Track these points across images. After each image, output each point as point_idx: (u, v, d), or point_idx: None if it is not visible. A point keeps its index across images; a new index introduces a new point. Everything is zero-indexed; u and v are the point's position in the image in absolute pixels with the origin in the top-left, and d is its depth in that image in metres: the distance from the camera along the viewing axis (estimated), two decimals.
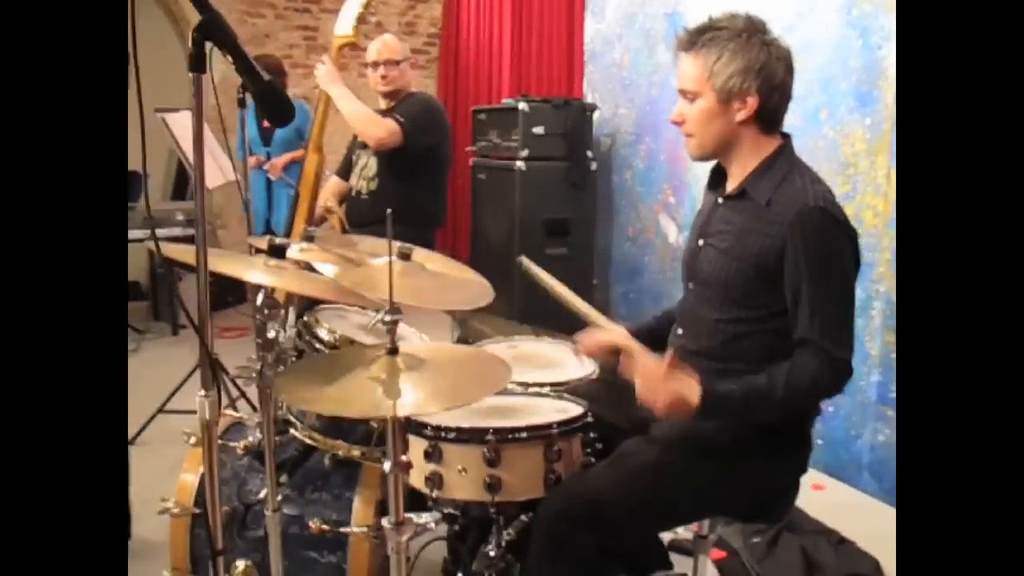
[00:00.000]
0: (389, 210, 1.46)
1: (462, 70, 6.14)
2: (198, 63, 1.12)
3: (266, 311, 1.67)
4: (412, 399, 1.31)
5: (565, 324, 2.13)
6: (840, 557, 2.58)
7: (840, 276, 1.63)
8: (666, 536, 2.30)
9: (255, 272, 1.51)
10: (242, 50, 1.13)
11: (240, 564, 1.98)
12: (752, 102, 1.67)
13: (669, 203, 4.58)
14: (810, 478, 3.31)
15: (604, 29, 5.16)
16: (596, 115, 4.97)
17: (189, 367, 3.60)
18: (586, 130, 4.83)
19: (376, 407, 1.26)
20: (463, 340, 4.42)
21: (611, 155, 5.09)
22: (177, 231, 5.25)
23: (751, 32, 1.66)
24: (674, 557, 2.13)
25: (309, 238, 1.94)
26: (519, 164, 4.63)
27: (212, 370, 1.30)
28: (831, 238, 1.62)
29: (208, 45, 1.15)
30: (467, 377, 1.39)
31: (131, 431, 3.41)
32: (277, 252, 1.57)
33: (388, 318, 1.40)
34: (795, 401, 1.64)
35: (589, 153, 4.82)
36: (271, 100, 1.19)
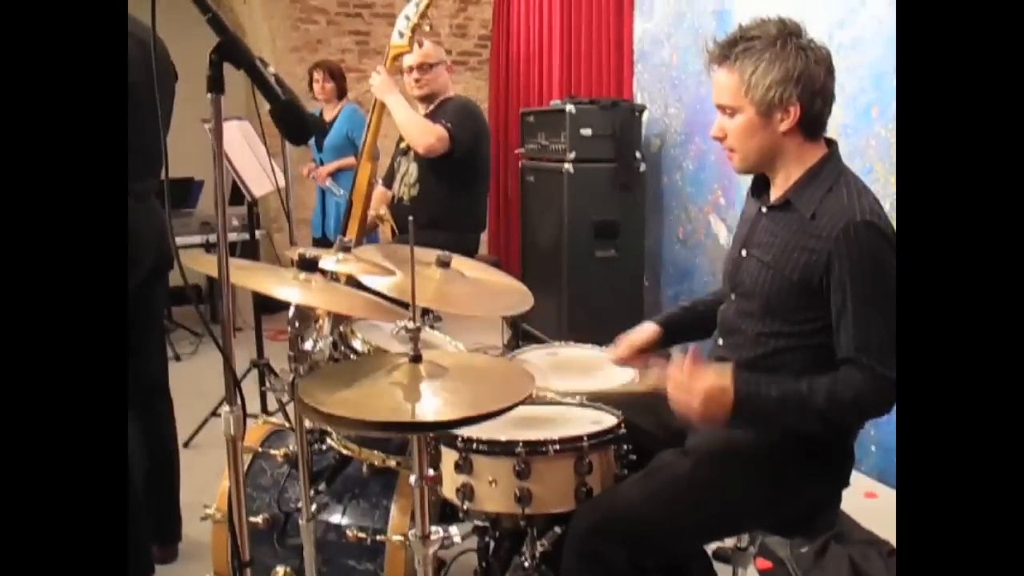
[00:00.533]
0: (411, 217, 1.46)
1: (513, 72, 6.13)
2: (216, 84, 1.13)
3: (297, 323, 1.69)
4: (431, 406, 1.31)
5: (610, 330, 2.13)
6: (891, 569, 2.51)
7: (887, 293, 1.54)
8: (711, 544, 2.26)
9: (282, 287, 1.53)
10: (259, 70, 1.15)
11: (280, 570, 2.02)
12: (794, 111, 1.61)
13: (720, 204, 4.51)
14: (862, 485, 3.22)
15: (653, 28, 5.10)
16: (645, 115, 4.92)
17: (245, 369, 3.68)
18: (635, 131, 4.77)
19: (395, 412, 1.27)
20: (514, 341, 4.45)
21: (660, 156, 5.03)
22: (232, 236, 5.36)
23: (785, 38, 1.60)
24: (718, 566, 2.09)
25: (345, 248, 1.95)
26: (567, 166, 4.60)
27: (236, 386, 1.32)
28: (879, 254, 1.56)
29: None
30: (488, 387, 1.39)
31: (185, 434, 3.49)
32: (307, 266, 1.58)
33: (411, 326, 1.41)
34: (836, 414, 1.58)
35: (638, 154, 4.76)
36: (288, 118, 1.20)
